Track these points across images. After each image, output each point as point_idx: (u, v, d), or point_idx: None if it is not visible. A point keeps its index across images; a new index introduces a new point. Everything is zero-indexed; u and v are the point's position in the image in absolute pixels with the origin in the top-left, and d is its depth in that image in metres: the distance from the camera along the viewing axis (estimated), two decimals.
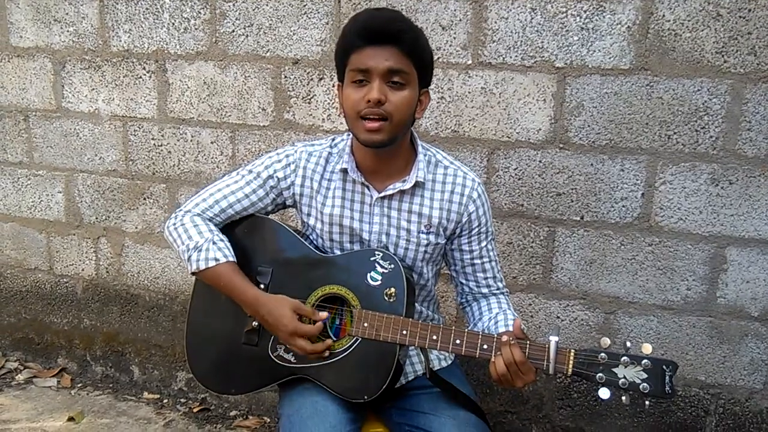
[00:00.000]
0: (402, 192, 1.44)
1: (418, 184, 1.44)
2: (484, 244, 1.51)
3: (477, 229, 1.49)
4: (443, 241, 1.49)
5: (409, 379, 1.53)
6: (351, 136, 1.48)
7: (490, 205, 1.52)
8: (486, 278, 1.54)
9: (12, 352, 2.88)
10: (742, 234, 1.88)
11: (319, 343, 1.37)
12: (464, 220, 1.47)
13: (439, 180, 1.47)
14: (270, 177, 1.50)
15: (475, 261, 1.52)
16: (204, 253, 1.43)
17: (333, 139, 1.53)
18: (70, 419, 2.41)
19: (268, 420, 2.46)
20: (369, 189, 1.45)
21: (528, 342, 1.26)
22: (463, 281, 1.55)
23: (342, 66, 1.38)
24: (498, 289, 1.56)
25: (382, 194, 1.44)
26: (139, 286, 2.59)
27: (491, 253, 1.53)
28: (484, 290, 1.55)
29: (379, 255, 1.40)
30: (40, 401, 2.56)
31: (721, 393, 1.99)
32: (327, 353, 1.38)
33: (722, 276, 1.92)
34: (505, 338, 1.27)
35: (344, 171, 1.46)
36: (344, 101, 1.37)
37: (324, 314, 1.38)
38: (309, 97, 2.20)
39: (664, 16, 1.82)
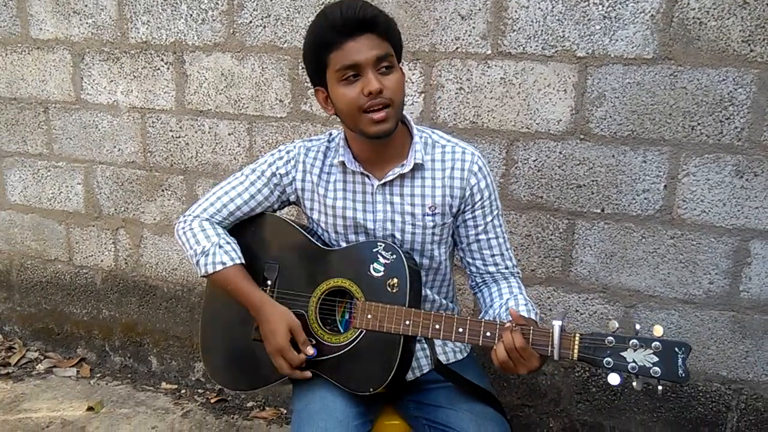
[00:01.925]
0: (402, 176, 1.43)
1: (417, 167, 1.43)
2: (489, 219, 1.47)
3: (480, 203, 1.45)
4: (450, 221, 1.47)
5: (424, 372, 1.52)
6: (343, 129, 1.47)
7: (492, 179, 1.48)
8: (493, 255, 1.49)
9: (32, 342, 2.92)
10: (767, 227, 1.85)
11: (298, 371, 1.40)
12: (467, 194, 1.44)
13: (438, 158, 1.45)
14: (273, 174, 1.51)
15: (480, 237, 1.47)
16: (211, 257, 1.45)
17: (330, 134, 1.53)
18: (90, 409, 2.44)
19: (285, 411, 2.47)
20: (369, 178, 1.45)
21: (531, 328, 1.23)
22: (470, 260, 1.51)
23: (320, 69, 1.35)
24: (507, 268, 1.51)
25: (383, 181, 1.43)
26: (158, 277, 2.61)
27: (498, 230, 1.49)
28: (492, 269, 1.50)
29: (381, 246, 1.39)
30: (60, 390, 2.59)
31: (743, 388, 1.96)
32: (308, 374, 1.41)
33: (746, 270, 1.89)
34: (507, 324, 1.25)
35: (342, 164, 1.45)
36: (338, 101, 1.34)
37: (311, 351, 1.39)
38: None
39: (688, 4, 1.78)
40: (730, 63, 1.78)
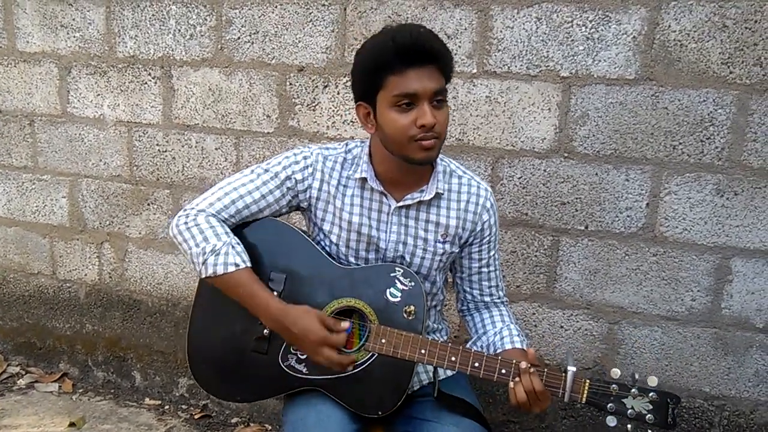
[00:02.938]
0: (420, 202, 1.44)
1: (435, 194, 1.44)
2: (492, 253, 1.53)
3: (488, 238, 1.51)
4: (457, 250, 1.50)
5: (415, 389, 1.53)
6: (367, 144, 1.47)
7: (498, 215, 1.54)
8: (490, 287, 1.56)
9: (14, 356, 2.88)
10: (747, 245, 1.88)
11: (345, 356, 1.35)
12: (478, 229, 1.49)
13: (455, 189, 1.48)
14: (288, 178, 1.45)
15: (482, 269, 1.53)
16: (223, 257, 1.36)
17: (347, 145, 1.50)
18: (72, 425, 2.41)
19: (270, 428, 2.45)
20: (387, 198, 1.45)
21: (545, 370, 1.29)
22: (467, 289, 1.57)
23: (372, 87, 1.32)
24: (499, 298, 1.58)
25: (401, 204, 1.44)
26: (142, 291, 2.59)
27: (496, 262, 1.56)
28: (486, 299, 1.57)
29: (399, 271, 1.40)
30: (42, 406, 2.55)
31: (725, 405, 1.98)
32: (351, 368, 1.37)
33: (727, 287, 1.91)
34: (524, 365, 1.29)
35: (363, 179, 1.44)
36: (387, 125, 1.32)
37: (346, 324, 1.35)
38: (314, 104, 2.21)
39: (670, 26, 1.82)
40: (710, 84, 1.82)
